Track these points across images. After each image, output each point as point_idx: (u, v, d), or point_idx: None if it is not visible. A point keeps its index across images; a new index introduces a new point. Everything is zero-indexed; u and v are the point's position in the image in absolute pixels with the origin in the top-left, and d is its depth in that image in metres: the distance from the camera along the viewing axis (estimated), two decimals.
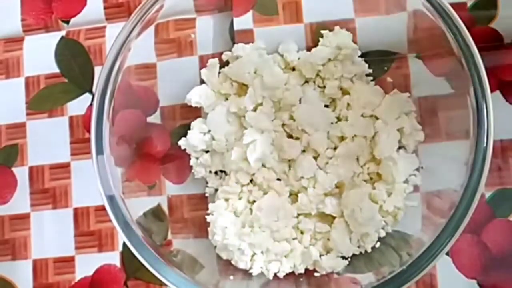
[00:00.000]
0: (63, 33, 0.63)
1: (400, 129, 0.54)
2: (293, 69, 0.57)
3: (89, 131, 0.54)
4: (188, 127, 0.57)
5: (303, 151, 0.55)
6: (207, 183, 0.58)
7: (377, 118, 0.54)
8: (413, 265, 0.47)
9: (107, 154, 0.51)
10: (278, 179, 0.55)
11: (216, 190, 0.57)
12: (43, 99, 0.62)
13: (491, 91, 0.47)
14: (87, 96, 0.62)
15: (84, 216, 0.60)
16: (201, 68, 0.57)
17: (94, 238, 0.60)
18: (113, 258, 0.59)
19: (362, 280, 0.52)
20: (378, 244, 0.53)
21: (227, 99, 0.56)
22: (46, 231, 0.60)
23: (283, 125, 0.55)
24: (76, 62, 0.62)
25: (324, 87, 0.56)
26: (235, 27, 0.58)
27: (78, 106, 0.62)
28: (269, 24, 0.58)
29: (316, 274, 0.54)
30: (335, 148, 0.54)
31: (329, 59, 0.55)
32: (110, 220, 0.50)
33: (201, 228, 0.56)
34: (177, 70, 0.58)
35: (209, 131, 0.56)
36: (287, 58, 0.56)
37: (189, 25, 0.58)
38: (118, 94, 0.52)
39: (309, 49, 0.57)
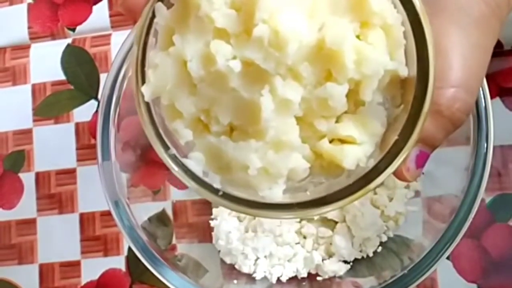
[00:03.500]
0: (69, 40, 0.64)
1: None
2: None
3: (94, 137, 0.55)
4: None
5: None
6: None
7: None
8: (414, 269, 0.47)
9: (112, 160, 0.51)
10: None
11: None
12: (50, 105, 0.63)
13: (491, 97, 0.47)
14: (92, 103, 0.62)
15: (90, 221, 0.61)
16: None
17: (99, 243, 0.60)
18: (118, 262, 0.60)
19: (364, 284, 0.52)
20: (379, 249, 0.54)
21: None
22: (53, 236, 0.61)
23: None
24: (82, 69, 0.63)
25: None
26: None
27: (84, 112, 0.62)
28: None
29: (318, 278, 0.54)
30: None
31: None
32: (115, 225, 0.51)
33: (205, 233, 0.56)
34: None
35: None
36: None
37: None
38: (124, 101, 0.53)
39: None
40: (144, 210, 0.54)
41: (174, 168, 0.34)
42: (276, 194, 0.31)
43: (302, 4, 0.29)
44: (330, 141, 0.31)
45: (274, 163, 0.30)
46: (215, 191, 0.33)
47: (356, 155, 0.30)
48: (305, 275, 0.54)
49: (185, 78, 0.30)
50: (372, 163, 0.31)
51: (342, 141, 0.31)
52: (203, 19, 0.29)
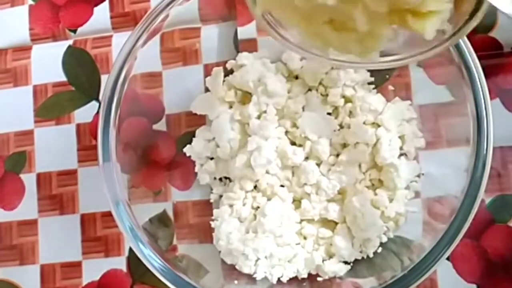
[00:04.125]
0: (70, 42, 0.64)
1: (401, 136, 0.54)
2: (296, 77, 0.57)
3: (95, 138, 0.55)
4: (193, 134, 0.57)
5: (306, 158, 0.55)
6: (211, 189, 0.58)
7: (379, 126, 0.54)
8: (414, 269, 0.47)
9: (113, 161, 0.52)
10: (282, 186, 0.56)
11: (221, 196, 0.57)
12: (51, 107, 0.63)
13: (491, 98, 0.48)
14: (93, 104, 0.62)
15: (91, 221, 0.61)
16: (206, 76, 0.58)
17: (100, 244, 0.60)
18: (119, 263, 0.60)
19: (364, 285, 0.52)
20: (379, 249, 0.54)
21: (231, 107, 0.57)
22: (54, 237, 0.61)
23: (286, 132, 0.56)
24: (83, 71, 0.63)
25: (327, 95, 0.56)
26: (239, 37, 0.59)
27: (85, 113, 0.62)
28: None
29: (319, 278, 0.54)
30: (337, 155, 0.55)
31: (332, 68, 0.56)
32: (116, 226, 0.51)
33: (206, 234, 0.56)
34: (182, 79, 0.59)
35: (214, 138, 0.57)
36: (290, 67, 0.57)
37: (194, 34, 0.59)
38: (124, 102, 0.53)
39: None
40: (145, 211, 0.54)
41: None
42: (375, 59, 0.40)
43: None
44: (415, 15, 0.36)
45: (370, 46, 0.38)
46: None
47: (435, 25, 0.36)
48: (306, 275, 0.54)
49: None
50: (450, 28, 0.38)
51: (424, 14, 0.36)
52: None
